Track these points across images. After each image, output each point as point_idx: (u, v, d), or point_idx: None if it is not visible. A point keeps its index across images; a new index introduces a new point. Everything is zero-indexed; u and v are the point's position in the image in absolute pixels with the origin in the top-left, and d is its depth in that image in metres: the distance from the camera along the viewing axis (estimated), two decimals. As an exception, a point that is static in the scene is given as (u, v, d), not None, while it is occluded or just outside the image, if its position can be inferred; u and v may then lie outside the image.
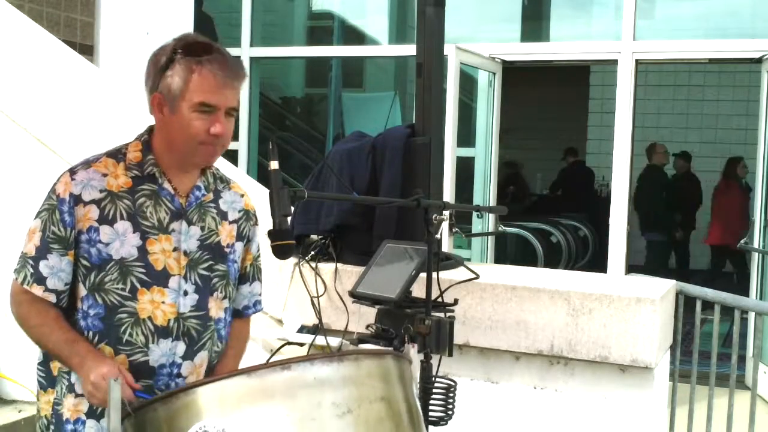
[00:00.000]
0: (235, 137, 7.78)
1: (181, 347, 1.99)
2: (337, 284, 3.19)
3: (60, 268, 1.94)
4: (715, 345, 3.83)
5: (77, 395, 1.97)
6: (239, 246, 2.13)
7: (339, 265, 3.21)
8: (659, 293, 2.90)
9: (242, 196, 2.17)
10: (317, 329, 3.20)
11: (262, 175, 7.16)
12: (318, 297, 3.20)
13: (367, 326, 2.33)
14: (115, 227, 1.94)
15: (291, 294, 3.31)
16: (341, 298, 3.13)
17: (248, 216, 2.16)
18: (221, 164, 4.39)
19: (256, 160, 7.79)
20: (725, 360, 4.41)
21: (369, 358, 1.78)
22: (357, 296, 2.35)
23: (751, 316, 5.69)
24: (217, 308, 2.06)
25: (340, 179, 3.20)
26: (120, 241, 1.94)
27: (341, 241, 3.27)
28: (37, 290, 1.94)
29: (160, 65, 1.94)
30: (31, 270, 1.95)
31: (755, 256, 6.33)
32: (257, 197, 3.97)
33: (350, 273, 3.15)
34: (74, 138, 3.80)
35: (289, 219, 1.88)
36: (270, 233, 1.86)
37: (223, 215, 2.09)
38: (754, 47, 6.28)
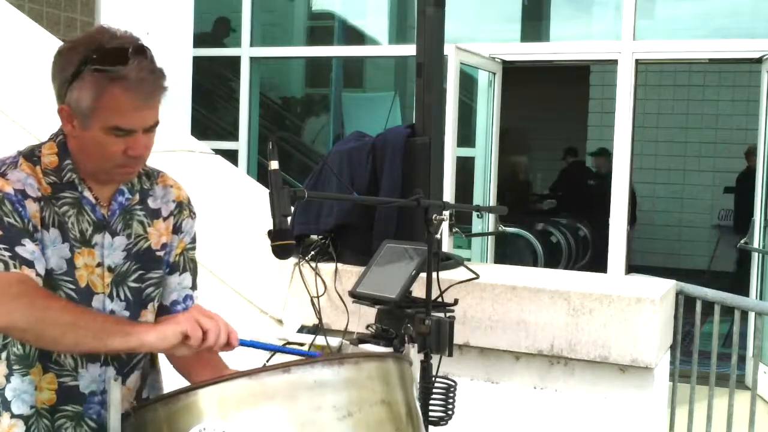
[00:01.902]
0: (235, 137, 7.79)
1: (111, 372, 1.82)
2: (337, 284, 3.19)
3: (38, 256, 1.70)
4: (715, 345, 3.83)
5: (13, 416, 1.76)
6: (175, 240, 1.94)
7: (339, 265, 3.21)
8: (659, 293, 2.90)
9: (173, 187, 1.97)
10: (317, 329, 3.20)
11: (262, 175, 7.16)
12: (318, 297, 3.20)
13: (367, 326, 2.33)
14: (49, 233, 1.73)
15: (291, 294, 3.31)
16: (341, 298, 3.13)
17: (182, 207, 1.96)
18: (220, 165, 4.40)
19: (256, 160, 7.79)
20: (725, 360, 4.41)
21: (370, 360, 1.77)
22: (357, 296, 2.35)
23: (751, 316, 5.69)
24: (151, 319, 1.89)
25: (340, 179, 3.20)
26: (51, 249, 1.73)
27: (341, 241, 3.27)
28: (30, 273, 1.67)
29: (66, 75, 1.68)
30: (7, 253, 1.65)
31: (755, 256, 6.33)
32: (257, 197, 3.97)
33: (350, 273, 3.15)
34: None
35: (289, 219, 1.88)
36: (270, 233, 1.84)
37: (154, 214, 1.90)
38: (754, 47, 6.28)
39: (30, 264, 1.67)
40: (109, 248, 1.81)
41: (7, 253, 1.65)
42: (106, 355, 1.80)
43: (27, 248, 1.68)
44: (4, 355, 1.77)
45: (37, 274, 1.68)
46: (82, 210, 1.78)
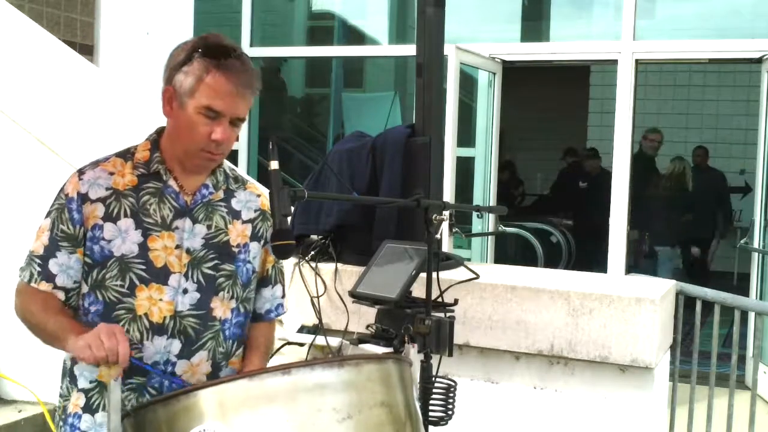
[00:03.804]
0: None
1: (176, 345, 1.97)
2: (337, 284, 3.19)
3: (69, 266, 1.97)
4: (715, 345, 3.83)
5: (79, 390, 2.01)
6: (255, 246, 2.11)
7: (339, 265, 3.21)
8: (659, 293, 2.90)
9: (259, 196, 2.16)
10: (317, 329, 3.20)
11: (262, 175, 7.15)
12: (318, 297, 3.20)
13: (367, 326, 2.33)
14: (118, 224, 1.96)
15: (291, 294, 3.31)
16: (341, 298, 3.13)
17: (265, 216, 2.13)
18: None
19: (256, 160, 7.79)
20: (725, 360, 4.41)
21: (370, 362, 1.77)
22: (357, 296, 2.35)
23: (751, 316, 5.69)
24: (223, 308, 2.04)
25: (340, 179, 3.20)
26: (122, 238, 1.95)
27: (341, 241, 3.27)
28: (46, 287, 1.97)
29: (178, 60, 1.94)
30: (39, 268, 1.97)
31: (755, 256, 6.34)
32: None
33: (350, 273, 3.15)
34: (75, 139, 3.80)
35: (289, 219, 1.88)
36: (270, 233, 1.86)
37: (235, 214, 2.08)
38: (754, 47, 6.28)
39: (51, 278, 1.97)
40: (189, 233, 2.00)
41: (38, 268, 1.97)
42: (172, 329, 1.97)
43: (58, 260, 1.97)
44: None
45: (55, 287, 1.97)
46: (164, 198, 2.00)
